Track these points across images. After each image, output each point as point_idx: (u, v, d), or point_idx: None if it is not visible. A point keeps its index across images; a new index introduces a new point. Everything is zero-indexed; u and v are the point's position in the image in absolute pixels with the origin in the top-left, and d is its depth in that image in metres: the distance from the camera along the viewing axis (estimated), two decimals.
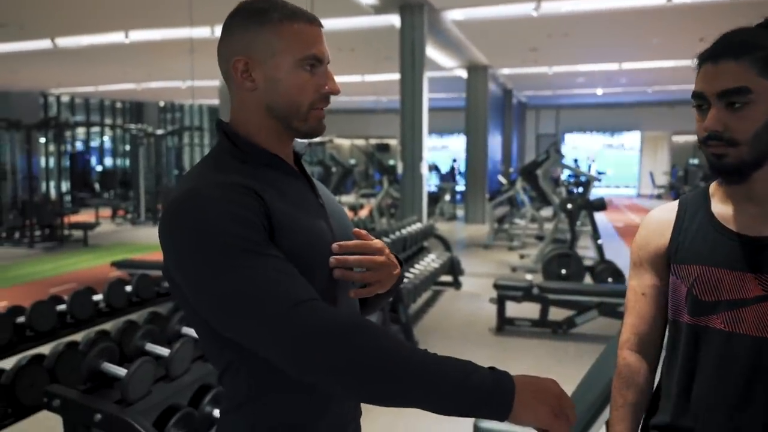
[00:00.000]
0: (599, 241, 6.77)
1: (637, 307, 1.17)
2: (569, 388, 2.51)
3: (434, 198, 13.70)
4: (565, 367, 4.20)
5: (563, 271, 6.34)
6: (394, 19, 7.98)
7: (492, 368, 0.84)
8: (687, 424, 1.08)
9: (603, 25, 8.72)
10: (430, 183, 13.77)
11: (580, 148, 21.54)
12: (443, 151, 22.07)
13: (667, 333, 1.15)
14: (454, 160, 20.28)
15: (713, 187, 1.13)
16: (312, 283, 0.88)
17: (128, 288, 3.71)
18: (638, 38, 9.73)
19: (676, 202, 1.18)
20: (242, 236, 0.84)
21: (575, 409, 0.85)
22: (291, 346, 0.80)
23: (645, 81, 15.16)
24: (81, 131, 18.95)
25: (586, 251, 7.95)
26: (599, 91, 17.30)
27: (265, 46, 0.95)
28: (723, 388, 1.04)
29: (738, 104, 0.98)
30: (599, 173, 10.16)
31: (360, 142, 21.70)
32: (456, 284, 6.58)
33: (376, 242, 1.01)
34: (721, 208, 1.09)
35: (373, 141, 22.12)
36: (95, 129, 19.15)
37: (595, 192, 10.40)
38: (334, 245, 0.96)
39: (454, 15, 8.41)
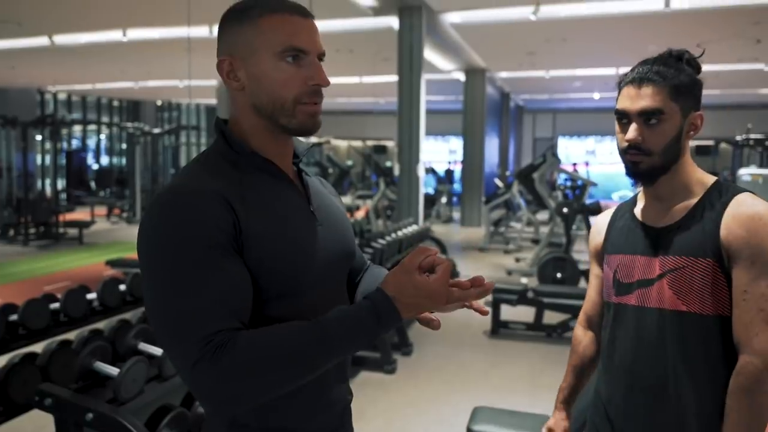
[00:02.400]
0: None
1: (588, 293, 1.50)
2: None
3: (431, 200, 13.71)
4: (559, 371, 4.19)
5: (558, 275, 6.35)
6: (393, 21, 7.99)
7: (371, 298, 0.88)
8: (609, 389, 1.33)
9: (600, 30, 8.75)
10: (427, 185, 13.77)
11: (570, 154, 21.55)
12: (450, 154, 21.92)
13: (604, 314, 1.41)
14: (450, 163, 20.30)
15: (640, 194, 1.38)
16: (294, 297, 0.93)
17: (122, 287, 3.70)
18: (635, 44, 9.75)
19: (615, 207, 1.45)
20: (190, 250, 0.84)
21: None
22: (200, 400, 0.86)
23: None
24: (78, 129, 18.89)
25: (581, 255, 7.96)
26: (596, 96, 17.34)
27: (246, 43, 0.93)
28: (635, 350, 1.27)
29: (654, 121, 1.22)
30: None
31: (357, 143, 21.70)
32: None
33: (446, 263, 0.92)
34: (640, 207, 1.35)
35: (370, 142, 22.11)
36: (92, 127, 19.08)
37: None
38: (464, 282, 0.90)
39: (452, 18, 8.42)
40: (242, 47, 0.94)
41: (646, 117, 1.22)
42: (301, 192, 1.01)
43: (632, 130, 1.23)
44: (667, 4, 7.12)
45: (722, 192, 1.24)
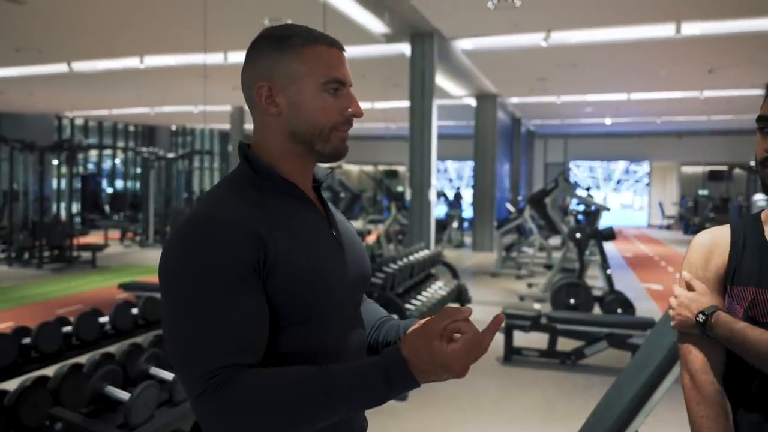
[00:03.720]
0: (608, 271, 6.72)
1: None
2: (578, 421, 2.46)
3: (442, 225, 13.69)
4: (574, 400, 4.12)
5: (572, 301, 6.28)
6: (405, 48, 8.09)
7: (384, 356, 0.87)
8: None
9: (611, 56, 8.78)
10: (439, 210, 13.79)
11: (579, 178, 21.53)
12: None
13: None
14: (458, 188, 20.31)
15: (765, 214, 1.16)
16: (315, 321, 0.93)
17: (134, 310, 3.70)
18: (646, 69, 9.78)
19: (726, 226, 1.20)
20: (208, 282, 0.86)
21: None
22: (203, 429, 0.89)
23: (653, 111, 15.20)
24: (93, 153, 19.18)
25: (595, 281, 7.88)
26: (608, 121, 17.34)
27: (288, 71, 0.96)
28: None
29: None
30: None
31: (369, 168, 21.81)
32: None
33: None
34: None
35: (381, 167, 22.22)
36: (107, 151, 19.37)
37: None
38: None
39: (463, 44, 8.50)
40: (282, 74, 0.96)
41: None
42: (323, 216, 1.03)
43: None
44: (678, 30, 7.15)
45: None
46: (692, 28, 7.19)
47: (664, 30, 7.29)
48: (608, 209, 8.14)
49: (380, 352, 0.88)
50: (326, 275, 0.95)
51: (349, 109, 0.98)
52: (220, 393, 0.83)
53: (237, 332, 0.86)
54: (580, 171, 21.86)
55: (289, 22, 7.12)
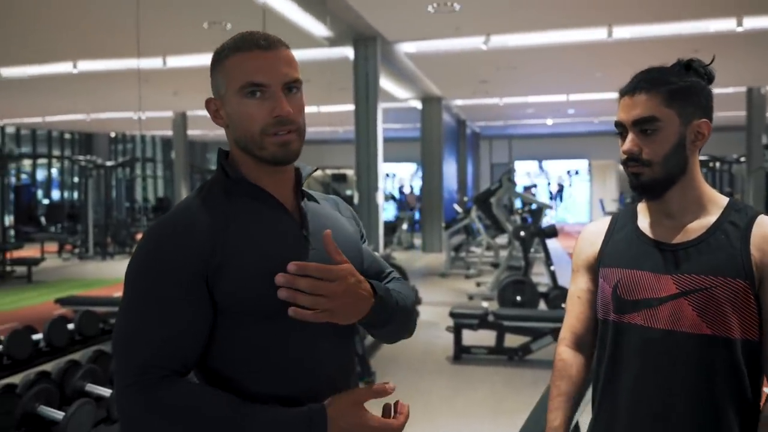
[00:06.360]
0: (552, 268, 6.90)
1: (574, 309, 1.33)
2: (525, 414, 2.52)
3: (391, 227, 13.75)
4: (521, 394, 4.21)
5: (518, 298, 6.42)
6: (348, 52, 8.09)
7: (309, 410, 0.92)
8: (612, 415, 1.21)
9: (549, 58, 9.05)
10: (388, 212, 13.84)
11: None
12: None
13: (598, 333, 1.28)
14: (401, 187, 20.45)
15: (640, 205, 1.29)
16: (270, 316, 0.94)
17: (71, 326, 3.56)
18: (583, 71, 10.12)
19: (609, 217, 1.34)
20: (157, 284, 0.93)
21: None
22: (119, 417, 0.95)
23: (591, 112, 15.73)
24: (27, 163, 18.31)
25: (540, 278, 8.08)
26: (549, 122, 17.85)
27: (220, 84, 1.01)
28: (642, 378, 1.17)
29: (649, 131, 1.15)
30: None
31: (317, 172, 21.69)
32: None
33: (341, 268, 0.93)
34: (644, 222, 1.25)
35: (329, 171, 22.14)
36: (42, 161, 18.54)
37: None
38: (290, 265, 0.91)
39: (406, 48, 8.58)
40: (219, 88, 1.01)
41: (641, 126, 1.15)
42: (294, 217, 1.02)
43: (628, 141, 1.17)
44: (609, 34, 7.44)
45: (740, 211, 1.18)
46: (623, 32, 7.50)
47: (597, 33, 7.57)
48: (551, 207, 8.36)
49: (305, 406, 0.93)
50: (276, 272, 0.92)
51: (274, 110, 0.96)
52: (148, 390, 0.89)
53: (175, 339, 0.92)
54: (530, 172, 22.47)
55: (229, 26, 6.99)
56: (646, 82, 1.17)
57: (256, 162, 1.01)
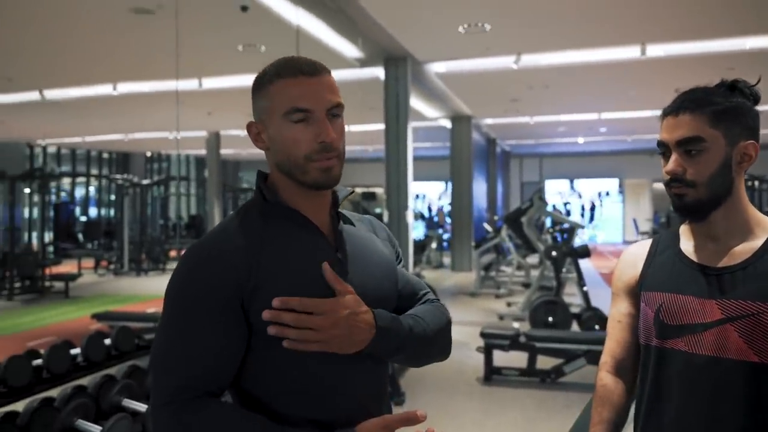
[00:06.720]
0: (585, 288, 6.78)
1: (614, 333, 1.30)
2: None
3: (421, 246, 13.71)
4: (554, 418, 4.13)
5: (550, 319, 6.32)
6: (379, 72, 8.18)
7: None
8: None
9: (581, 77, 8.99)
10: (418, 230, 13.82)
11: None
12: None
13: (641, 358, 1.26)
14: (430, 205, 20.40)
15: (683, 227, 1.27)
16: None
17: (107, 341, 3.63)
18: (616, 89, 10.02)
19: (650, 240, 1.32)
20: (195, 308, 0.94)
21: None
22: None
23: (624, 130, 15.53)
24: (66, 181, 18.88)
25: (572, 298, 7.95)
26: (580, 140, 17.67)
27: (263, 109, 1.02)
28: (686, 406, 1.14)
29: (694, 151, 1.14)
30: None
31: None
32: None
33: (329, 303, 0.95)
34: (687, 244, 1.23)
35: (359, 190, 22.26)
36: (81, 179, 19.09)
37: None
38: (274, 300, 0.93)
39: (436, 68, 8.63)
40: (262, 112, 1.03)
41: (685, 146, 1.14)
42: (329, 240, 1.04)
43: (672, 162, 1.15)
44: (643, 52, 7.36)
45: None
46: (657, 50, 7.41)
47: (630, 52, 7.50)
48: (582, 227, 8.24)
49: (335, 430, 0.95)
50: (310, 295, 0.95)
51: (320, 136, 0.98)
52: (183, 411, 0.91)
53: (207, 359, 0.93)
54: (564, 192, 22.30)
55: (263, 48, 7.13)
56: (690, 102, 1.15)
57: (296, 185, 1.02)
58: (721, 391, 1.11)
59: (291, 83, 0.99)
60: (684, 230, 1.26)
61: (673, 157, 1.15)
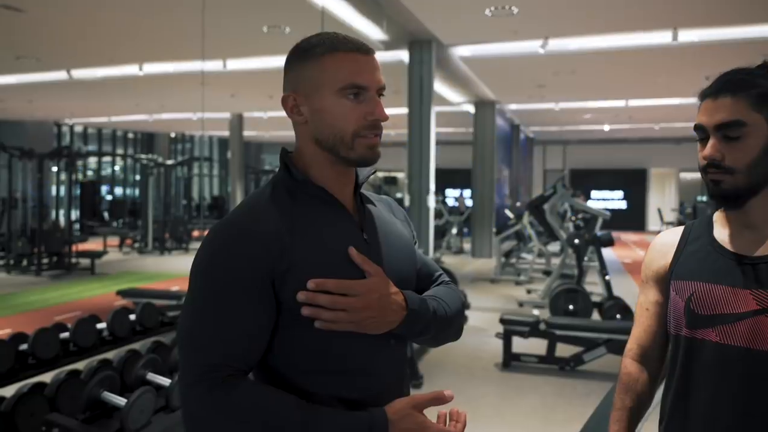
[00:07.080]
0: (607, 277, 6.72)
1: (642, 321, 1.28)
2: (577, 427, 2.46)
3: (441, 231, 13.69)
4: (572, 405, 4.12)
5: (570, 307, 6.28)
6: (403, 55, 8.12)
7: (370, 413, 0.94)
8: None
9: (609, 63, 8.82)
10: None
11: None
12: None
13: (669, 348, 1.23)
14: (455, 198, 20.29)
15: (717, 215, 1.22)
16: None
17: (132, 317, 3.71)
18: (644, 76, 9.81)
19: (682, 227, 1.27)
20: (224, 286, 0.93)
21: None
22: (183, 414, 0.94)
23: (651, 118, 15.24)
24: (92, 161, 19.20)
25: (593, 287, 7.88)
26: (606, 128, 17.39)
27: (309, 80, 0.99)
28: (716, 398, 1.11)
29: (733, 136, 1.08)
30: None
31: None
32: None
33: (362, 284, 0.96)
34: (721, 232, 1.18)
35: (380, 174, 22.24)
36: (107, 158, 19.39)
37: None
38: (309, 282, 0.93)
39: (461, 51, 8.53)
40: (306, 84, 1.00)
41: (724, 131, 1.08)
42: (355, 221, 1.04)
43: (709, 146, 1.10)
44: (674, 37, 7.18)
45: None
46: (689, 35, 7.23)
47: (661, 37, 7.32)
48: (607, 216, 8.13)
49: (366, 409, 0.94)
50: (341, 275, 0.96)
51: (372, 114, 0.99)
52: (215, 389, 0.90)
53: (241, 339, 0.93)
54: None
55: (287, 30, 7.12)
56: (731, 84, 1.09)
57: (333, 161, 1.01)
58: (754, 384, 1.07)
59: (349, 58, 0.99)
60: (718, 218, 1.21)
61: (711, 141, 1.10)
